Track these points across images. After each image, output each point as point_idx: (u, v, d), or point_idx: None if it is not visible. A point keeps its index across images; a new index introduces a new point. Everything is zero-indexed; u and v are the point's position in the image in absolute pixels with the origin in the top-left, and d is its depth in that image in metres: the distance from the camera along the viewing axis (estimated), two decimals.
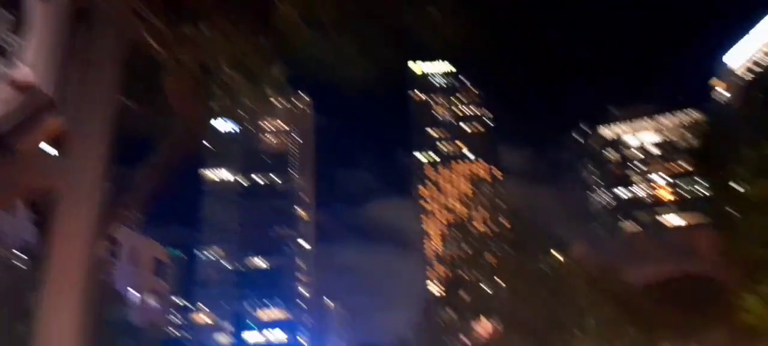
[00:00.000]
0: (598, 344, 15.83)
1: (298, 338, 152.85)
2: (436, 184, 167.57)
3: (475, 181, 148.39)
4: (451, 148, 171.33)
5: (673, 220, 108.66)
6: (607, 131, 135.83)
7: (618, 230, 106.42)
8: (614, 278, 20.42)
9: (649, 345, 21.22)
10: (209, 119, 8.65)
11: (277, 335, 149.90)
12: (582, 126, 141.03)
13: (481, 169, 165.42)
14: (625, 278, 25.88)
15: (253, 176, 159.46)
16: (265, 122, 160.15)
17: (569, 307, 15.46)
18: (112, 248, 51.71)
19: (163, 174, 7.13)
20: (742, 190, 13.75)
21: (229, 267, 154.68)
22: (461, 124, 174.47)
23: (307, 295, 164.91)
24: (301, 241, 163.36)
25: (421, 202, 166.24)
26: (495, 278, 16.91)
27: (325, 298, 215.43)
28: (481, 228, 18.29)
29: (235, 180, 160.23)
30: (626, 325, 17.75)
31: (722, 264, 24.23)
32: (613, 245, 69.10)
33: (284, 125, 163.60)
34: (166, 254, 76.95)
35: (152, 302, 68.17)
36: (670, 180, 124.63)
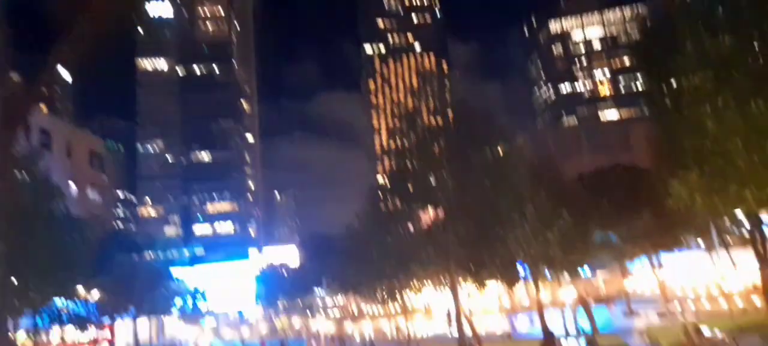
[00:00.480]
0: (535, 229, 16.67)
1: (247, 229, 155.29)
2: (384, 78, 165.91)
3: (423, 74, 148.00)
4: (400, 41, 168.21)
5: (610, 115, 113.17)
6: (555, 26, 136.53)
7: (559, 124, 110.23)
8: (553, 169, 21.25)
9: (582, 230, 22.65)
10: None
11: (226, 227, 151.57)
12: (530, 20, 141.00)
13: (430, 62, 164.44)
14: (562, 169, 27.13)
15: (191, 65, 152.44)
16: (201, 7, 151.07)
17: (510, 196, 16.03)
18: (43, 140, 49.40)
19: (83, 52, 6.48)
20: (679, 83, 14.09)
21: (173, 160, 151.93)
22: (411, 14, 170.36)
23: (255, 188, 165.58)
24: (247, 135, 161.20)
25: (371, 96, 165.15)
26: (440, 168, 17.20)
27: (274, 191, 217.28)
28: (428, 120, 18.26)
29: (173, 70, 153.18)
30: (562, 212, 18.72)
31: (654, 155, 25.68)
32: (554, 137, 72.02)
33: (221, 11, 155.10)
34: (102, 146, 74.37)
35: (93, 195, 66.67)
36: (610, 76, 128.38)
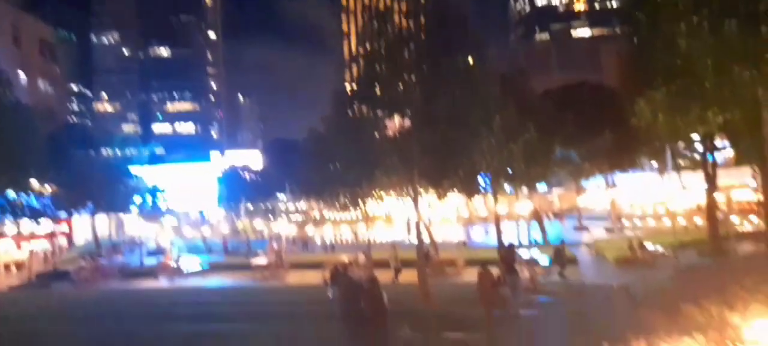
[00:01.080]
0: (500, 141, 16.74)
1: (210, 131, 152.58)
2: None
3: None
4: None
5: (583, 32, 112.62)
6: None
7: (532, 39, 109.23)
8: (522, 82, 21.14)
9: (546, 145, 22.95)
10: None
11: (187, 127, 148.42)
12: None
13: None
14: (532, 84, 27.09)
15: None
16: None
17: (477, 107, 15.90)
18: None
19: None
20: None
21: (129, 55, 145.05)
22: None
23: (218, 89, 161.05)
24: (209, 32, 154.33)
25: None
26: (409, 74, 16.79)
27: (238, 94, 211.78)
28: (399, 24, 17.56)
29: None
30: (528, 125, 18.79)
31: (622, 74, 25.90)
32: (526, 52, 71.58)
33: None
34: (53, 35, 70.03)
35: (44, 86, 63.52)
36: None
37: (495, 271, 17.13)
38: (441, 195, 21.00)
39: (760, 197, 20.00)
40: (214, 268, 35.13)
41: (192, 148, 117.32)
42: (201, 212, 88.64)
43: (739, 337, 6.88)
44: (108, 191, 49.84)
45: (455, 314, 12.94)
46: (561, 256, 23.69)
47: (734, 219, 36.68)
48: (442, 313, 13.07)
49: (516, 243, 28.95)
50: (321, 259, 31.89)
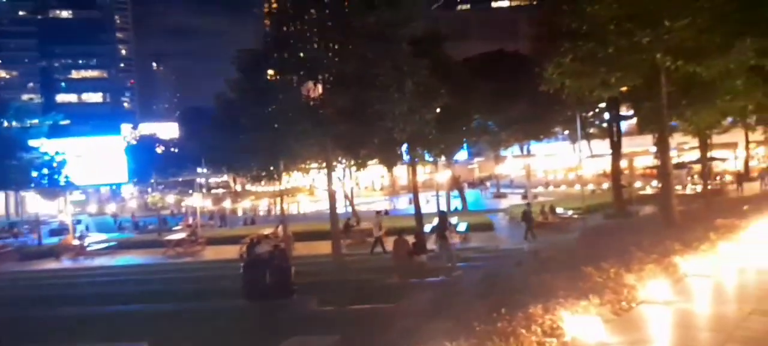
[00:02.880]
0: (413, 105, 16.42)
1: (120, 101, 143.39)
2: None
3: None
4: None
5: (502, 2, 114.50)
6: None
7: (452, 9, 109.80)
8: (437, 47, 20.95)
9: (461, 112, 22.99)
10: None
11: (95, 97, 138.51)
12: None
13: None
14: (448, 51, 27.01)
15: None
16: None
17: (392, 69, 15.44)
18: None
19: None
20: None
21: (26, 15, 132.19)
22: None
23: (129, 56, 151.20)
24: None
25: None
26: (321, 34, 16.01)
27: (152, 62, 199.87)
28: None
29: None
30: (442, 92, 18.59)
31: (535, 41, 26.44)
32: (446, 21, 72.10)
33: None
34: None
35: None
36: None
37: (411, 239, 17.03)
38: (359, 165, 20.53)
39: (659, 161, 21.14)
40: (123, 246, 33.21)
41: (101, 120, 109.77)
42: (111, 188, 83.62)
43: (634, 296, 6.95)
44: (3, 165, 45.73)
45: (372, 284, 12.66)
46: (529, 218, 24.01)
47: (638, 183, 39.14)
48: (359, 283, 12.74)
49: (437, 211, 29.27)
50: (240, 233, 30.89)
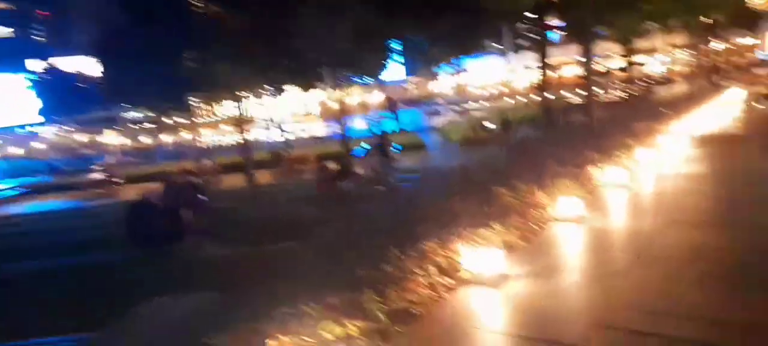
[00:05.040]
0: (321, 20, 15.09)
1: (29, 33, 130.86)
2: None
3: None
4: None
5: None
6: None
7: None
8: None
9: (380, 26, 21.56)
10: None
11: (2, 31, 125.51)
12: None
13: None
14: None
15: None
16: None
17: None
18: None
19: None
20: None
21: None
22: None
23: None
24: None
25: None
26: None
27: None
28: None
29: None
30: (355, 7, 17.17)
31: None
32: None
33: None
34: None
35: None
36: None
37: (334, 165, 16.28)
38: (276, 89, 19.20)
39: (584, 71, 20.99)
40: (38, 190, 30.85)
41: (7, 54, 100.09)
42: (23, 129, 77.56)
43: (546, 216, 6.47)
44: None
45: (287, 219, 11.84)
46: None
47: (566, 93, 39.63)
48: (273, 219, 11.87)
49: (371, 133, 28.69)
50: (164, 169, 29.16)
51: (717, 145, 11.64)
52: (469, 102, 51.15)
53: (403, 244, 5.26)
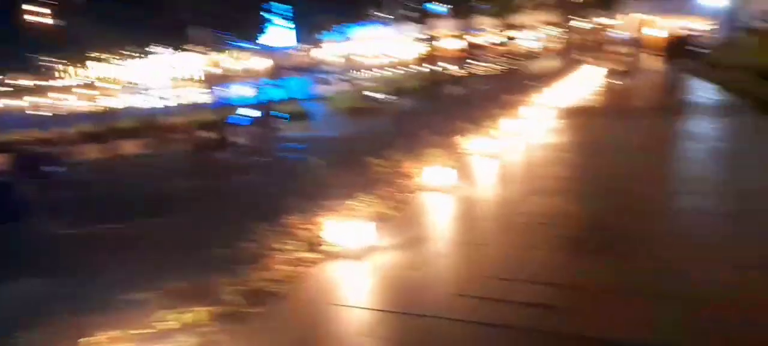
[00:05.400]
0: None
1: None
2: None
3: None
4: None
5: None
6: None
7: None
8: None
9: None
10: None
11: None
12: None
13: None
14: None
15: None
16: None
17: None
18: None
19: None
20: None
21: None
22: None
23: None
24: None
25: None
26: None
27: None
28: None
29: None
30: None
31: None
32: None
33: None
34: None
35: None
36: None
37: (210, 134, 15.41)
38: (144, 50, 17.64)
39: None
40: None
41: None
42: None
43: (415, 186, 6.53)
44: None
45: (156, 191, 10.97)
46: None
47: (453, 66, 40.92)
48: (134, 192, 10.93)
49: (257, 101, 27.67)
50: (18, 138, 25.92)
51: (578, 116, 12.55)
52: (358, 71, 51.16)
53: (270, 218, 5.02)
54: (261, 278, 3.90)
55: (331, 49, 60.00)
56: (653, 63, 20.99)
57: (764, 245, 4.16)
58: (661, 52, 17.97)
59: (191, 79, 53.04)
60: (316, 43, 53.82)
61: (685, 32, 16.47)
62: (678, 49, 16.91)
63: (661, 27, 27.40)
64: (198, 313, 3.26)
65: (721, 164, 7.35)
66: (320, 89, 42.77)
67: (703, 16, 37.75)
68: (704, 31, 33.96)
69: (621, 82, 18.75)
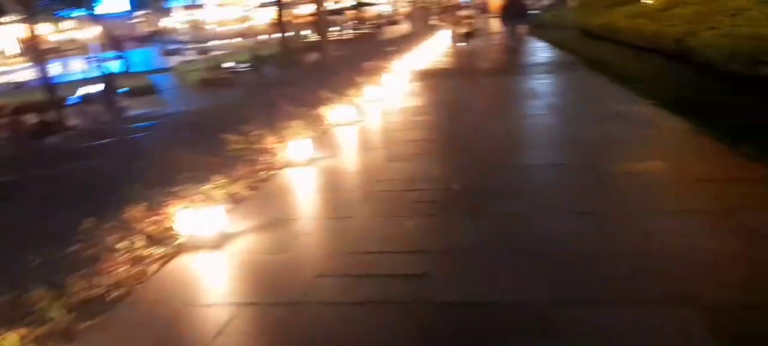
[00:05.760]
0: None
1: None
2: None
3: None
4: None
5: None
6: None
7: None
8: None
9: None
10: None
11: None
12: None
13: None
14: None
15: None
16: None
17: None
18: None
19: None
20: None
21: None
22: None
23: None
24: None
25: None
26: None
27: None
28: None
29: None
30: None
31: None
32: None
33: None
34: None
35: None
36: None
37: (34, 117, 13.49)
38: None
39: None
40: None
41: None
42: None
43: (275, 162, 6.19)
44: None
45: None
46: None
47: (305, 32, 40.04)
48: None
49: (93, 76, 24.89)
50: None
51: (431, 79, 12.94)
52: (208, 41, 48.22)
53: (109, 210, 4.40)
54: (96, 284, 3.38)
55: (179, 17, 55.73)
56: (497, 25, 22.35)
57: (600, 190, 4.54)
58: (499, 14, 19.20)
59: (6, 55, 46.12)
60: (163, 11, 49.59)
61: None
62: (513, 10, 18.22)
63: None
64: (7, 339, 2.70)
65: (560, 118, 7.97)
66: (168, 60, 39.63)
67: None
68: None
69: (467, 45, 19.70)
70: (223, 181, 5.11)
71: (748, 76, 7.22)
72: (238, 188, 5.17)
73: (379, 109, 9.49)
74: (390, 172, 5.74)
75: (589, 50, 13.95)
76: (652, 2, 14.44)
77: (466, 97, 10.53)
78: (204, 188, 4.86)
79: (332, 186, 5.58)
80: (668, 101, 7.17)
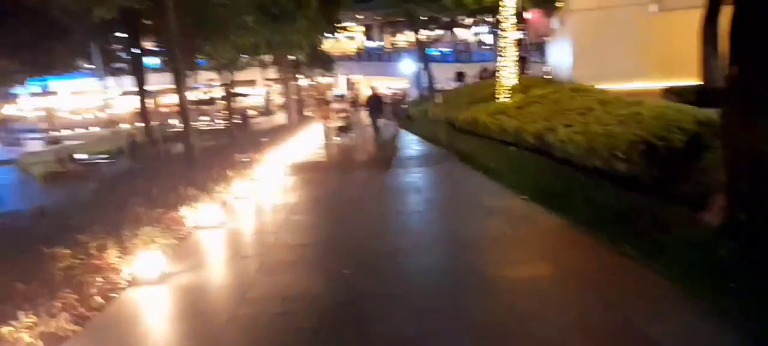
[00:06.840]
0: None
1: None
2: None
3: None
4: None
5: None
6: None
7: None
8: None
9: None
10: None
11: None
12: None
13: None
14: None
15: None
16: None
17: None
18: None
19: None
20: None
21: None
22: None
23: None
24: None
25: None
26: None
27: None
28: None
29: None
30: None
31: None
32: None
33: None
34: None
35: None
36: None
37: None
38: None
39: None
40: None
41: None
42: None
43: (117, 281, 5.15)
44: None
45: None
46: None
47: (171, 122, 38.09)
48: None
49: None
50: None
51: (306, 172, 12.39)
52: (60, 130, 44.17)
53: None
54: None
55: (27, 105, 50.80)
56: (368, 119, 22.75)
57: (491, 300, 4.19)
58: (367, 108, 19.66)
59: None
60: (7, 98, 44.74)
61: (385, 90, 18.19)
62: (378, 105, 18.73)
63: (368, 86, 30.27)
64: None
65: (439, 215, 7.78)
66: (11, 151, 35.30)
67: (400, 77, 43.59)
68: (401, 89, 39.07)
69: (341, 138, 19.63)
70: (35, 318, 4.00)
71: (606, 171, 7.63)
72: (57, 323, 4.07)
73: (251, 208, 8.71)
74: (260, 287, 4.98)
75: (459, 144, 14.38)
76: (509, 101, 15.48)
77: (344, 193, 10.10)
78: (14, 325, 3.76)
79: (186, 312, 4.66)
80: (539, 196, 7.28)
